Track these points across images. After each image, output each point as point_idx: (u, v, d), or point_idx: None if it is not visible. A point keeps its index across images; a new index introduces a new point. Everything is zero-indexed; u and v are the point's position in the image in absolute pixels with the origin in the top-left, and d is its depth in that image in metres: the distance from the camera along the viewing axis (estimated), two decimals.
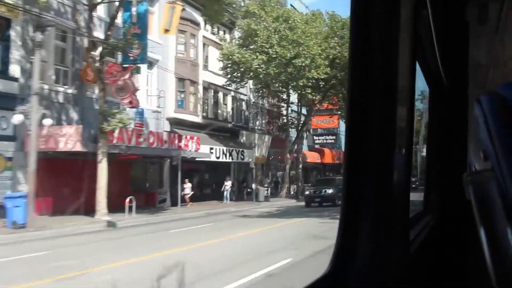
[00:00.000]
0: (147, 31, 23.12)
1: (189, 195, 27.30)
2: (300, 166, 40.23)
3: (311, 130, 51.87)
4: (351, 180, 1.22)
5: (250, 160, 34.21)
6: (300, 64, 29.87)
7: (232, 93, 37.86)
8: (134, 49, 22.32)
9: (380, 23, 1.18)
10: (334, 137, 51.21)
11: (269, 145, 41.74)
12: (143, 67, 28.62)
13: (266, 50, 30.47)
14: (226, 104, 37.40)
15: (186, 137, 26.99)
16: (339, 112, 45.60)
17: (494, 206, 0.76)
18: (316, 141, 51.89)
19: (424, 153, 3.07)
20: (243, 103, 39.89)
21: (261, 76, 30.97)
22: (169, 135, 25.84)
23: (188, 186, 27.21)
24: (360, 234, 1.18)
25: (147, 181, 29.40)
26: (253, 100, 40.57)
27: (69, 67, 23.51)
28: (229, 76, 32.90)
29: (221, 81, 34.31)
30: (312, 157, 49.97)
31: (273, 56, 30.29)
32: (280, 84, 31.98)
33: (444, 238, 2.29)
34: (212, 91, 35.36)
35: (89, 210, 20.40)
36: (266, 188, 34.87)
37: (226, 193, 30.65)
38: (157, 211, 23.81)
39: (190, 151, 27.10)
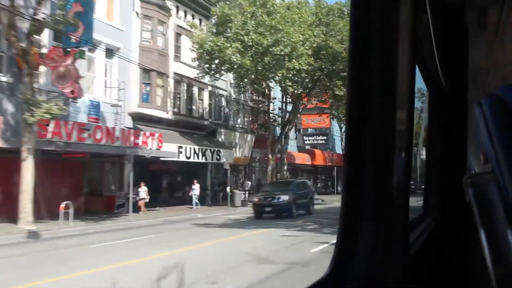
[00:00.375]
0: (92, 9, 19.88)
1: (144, 201, 23.82)
2: (285, 167, 36.79)
3: (301, 130, 48.54)
4: (351, 180, 1.22)
5: (224, 161, 30.83)
6: (278, 53, 26.52)
7: (210, 88, 34.54)
8: (76, 29, 19.14)
9: (379, 26, 1.19)
10: (325, 138, 47.75)
11: (253, 145, 38.44)
12: (101, 55, 25.59)
13: (242, 37, 27.17)
14: (202, 100, 34.06)
15: (144, 134, 23.67)
16: (329, 111, 42.39)
17: (494, 208, 0.77)
18: (306, 142, 48.44)
19: (423, 156, 3.15)
20: (223, 99, 36.55)
21: (235, 66, 27.63)
22: (122, 131, 22.52)
23: (144, 190, 23.79)
24: (360, 235, 1.17)
25: (105, 183, 26.13)
26: (234, 96, 37.25)
27: (5, 51, 20.27)
28: (201, 67, 29.54)
29: (196, 73, 30.95)
30: (302, 159, 46.61)
31: (249, 44, 27.00)
32: (256, 76, 28.57)
33: (444, 240, 2.29)
34: (185, 84, 32.04)
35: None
36: (244, 192, 31.49)
37: (195, 198, 27.15)
38: (105, 218, 20.51)
39: (151, 149, 23.77)
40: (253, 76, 28.52)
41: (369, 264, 1.15)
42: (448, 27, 2.22)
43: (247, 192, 32.03)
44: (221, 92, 36.09)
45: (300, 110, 38.45)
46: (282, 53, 26.51)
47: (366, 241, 1.15)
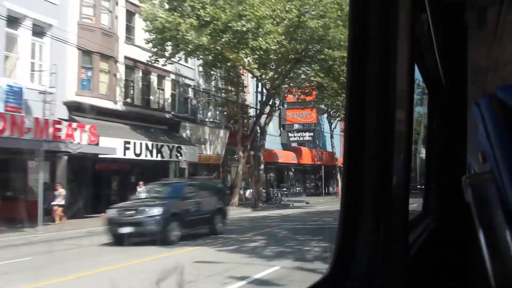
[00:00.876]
0: None
1: (60, 207, 19.28)
2: (261, 167, 32.42)
3: (286, 125, 44.16)
4: (351, 180, 1.21)
5: (181, 158, 26.50)
6: (240, 29, 22.24)
7: (173, 76, 30.26)
8: None
9: (378, 25, 1.19)
10: (311, 134, 43.30)
11: (227, 142, 34.14)
12: (27, 33, 21.38)
13: (198, 12, 22.92)
14: (163, 90, 29.75)
15: (70, 125, 19.42)
16: (315, 105, 38.01)
17: (493, 208, 0.78)
18: (291, 139, 44.00)
19: (422, 155, 3.07)
20: (189, 89, 32.23)
21: (191, 46, 23.37)
22: (36, 121, 18.26)
23: (61, 193, 19.31)
24: (360, 235, 1.16)
25: (30, 185, 21.84)
26: (203, 85, 32.94)
27: None
28: (155, 49, 25.25)
29: (148, 57, 26.59)
30: (286, 157, 42.29)
31: (206, 19, 22.73)
32: (215, 57, 24.24)
33: (443, 240, 2.27)
34: (141, 71, 27.76)
35: None
36: None
37: None
38: (4, 231, 16.18)
39: (79, 144, 19.52)
40: (211, 58, 24.16)
41: (369, 264, 1.14)
42: (447, 26, 2.22)
43: None
44: (188, 81, 31.80)
45: (279, 102, 34.21)
46: (244, 29, 22.22)
47: (365, 241, 1.14)
